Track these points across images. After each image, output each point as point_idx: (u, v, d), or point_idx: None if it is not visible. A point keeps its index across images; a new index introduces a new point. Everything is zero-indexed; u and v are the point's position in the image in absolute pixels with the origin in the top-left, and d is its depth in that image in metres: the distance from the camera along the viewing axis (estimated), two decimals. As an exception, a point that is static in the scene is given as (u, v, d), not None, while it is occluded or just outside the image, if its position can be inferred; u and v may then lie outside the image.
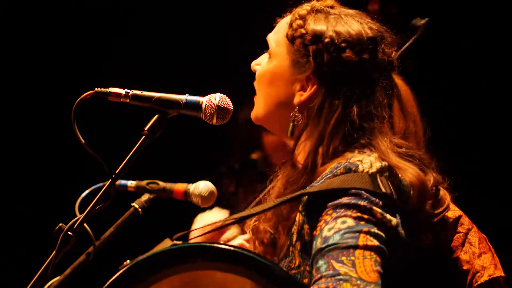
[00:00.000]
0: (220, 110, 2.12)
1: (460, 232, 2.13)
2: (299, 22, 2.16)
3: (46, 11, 4.63)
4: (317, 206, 1.93)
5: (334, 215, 1.88)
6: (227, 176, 4.24)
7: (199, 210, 2.72)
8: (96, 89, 2.10)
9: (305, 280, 1.96)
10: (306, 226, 1.98)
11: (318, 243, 1.86)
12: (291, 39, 2.16)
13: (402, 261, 1.91)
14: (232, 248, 1.88)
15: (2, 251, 4.63)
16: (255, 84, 2.23)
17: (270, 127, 2.25)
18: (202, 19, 4.68)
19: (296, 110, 2.15)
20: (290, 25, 2.18)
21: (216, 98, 2.13)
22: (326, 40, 2.12)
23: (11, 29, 4.64)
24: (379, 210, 1.89)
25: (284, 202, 2.01)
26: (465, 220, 2.16)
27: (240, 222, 2.14)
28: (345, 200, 1.89)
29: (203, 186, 2.65)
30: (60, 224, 2.03)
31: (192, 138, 4.39)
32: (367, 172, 1.95)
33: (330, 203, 1.91)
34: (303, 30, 2.14)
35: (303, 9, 2.20)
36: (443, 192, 2.09)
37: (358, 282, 1.75)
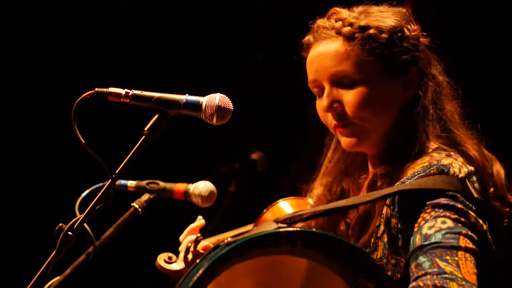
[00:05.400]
0: (220, 110, 2.12)
1: None
2: (373, 31, 2.12)
3: (45, 10, 4.63)
4: (412, 203, 1.97)
5: (433, 214, 1.93)
6: (227, 176, 4.24)
7: (199, 210, 2.72)
8: (96, 89, 2.10)
9: (388, 273, 2.00)
10: (393, 220, 2.01)
11: (418, 240, 1.91)
12: (380, 48, 2.11)
13: (484, 265, 1.94)
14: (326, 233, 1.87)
15: (2, 251, 4.62)
16: (358, 116, 2.12)
17: (372, 147, 2.19)
18: (202, 19, 4.68)
19: (400, 110, 2.14)
20: (366, 38, 2.11)
21: (216, 98, 2.13)
22: (406, 30, 2.15)
23: (11, 29, 4.64)
24: (473, 214, 1.94)
25: (383, 197, 1.99)
26: None
27: (339, 212, 2.10)
28: (443, 200, 1.94)
29: (203, 186, 2.65)
30: (60, 224, 2.04)
31: (192, 138, 4.39)
32: (457, 176, 1.99)
33: (429, 202, 1.94)
34: (384, 35, 2.12)
35: (350, 19, 2.14)
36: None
37: (463, 282, 1.81)
